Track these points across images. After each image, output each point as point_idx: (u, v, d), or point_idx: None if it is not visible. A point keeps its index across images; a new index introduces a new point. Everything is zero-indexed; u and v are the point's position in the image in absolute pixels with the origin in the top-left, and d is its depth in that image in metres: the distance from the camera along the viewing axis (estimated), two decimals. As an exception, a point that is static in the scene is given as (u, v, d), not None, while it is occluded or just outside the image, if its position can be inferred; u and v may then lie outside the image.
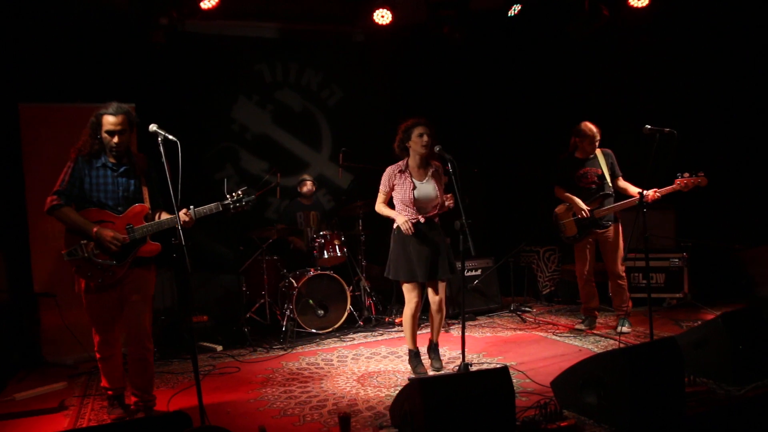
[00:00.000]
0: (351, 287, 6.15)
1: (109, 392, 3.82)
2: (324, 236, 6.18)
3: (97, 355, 3.74)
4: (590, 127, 5.20)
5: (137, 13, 5.65)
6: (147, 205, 3.68)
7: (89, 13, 5.90)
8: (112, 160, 3.63)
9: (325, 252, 6.12)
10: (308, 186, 6.73)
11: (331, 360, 5.01)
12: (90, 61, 6.00)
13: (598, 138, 5.21)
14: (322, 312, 5.89)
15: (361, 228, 6.39)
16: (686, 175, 4.68)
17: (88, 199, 3.59)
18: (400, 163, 4.43)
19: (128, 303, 3.66)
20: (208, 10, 5.79)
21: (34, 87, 5.67)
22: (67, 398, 4.35)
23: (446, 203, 4.35)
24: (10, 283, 5.47)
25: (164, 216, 3.71)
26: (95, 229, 3.48)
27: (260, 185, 3.58)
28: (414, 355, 4.57)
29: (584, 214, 5.16)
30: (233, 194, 3.73)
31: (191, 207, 3.60)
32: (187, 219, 3.54)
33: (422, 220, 4.34)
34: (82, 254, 3.50)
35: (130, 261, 3.59)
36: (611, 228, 5.26)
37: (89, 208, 3.58)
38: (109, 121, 3.54)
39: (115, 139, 3.54)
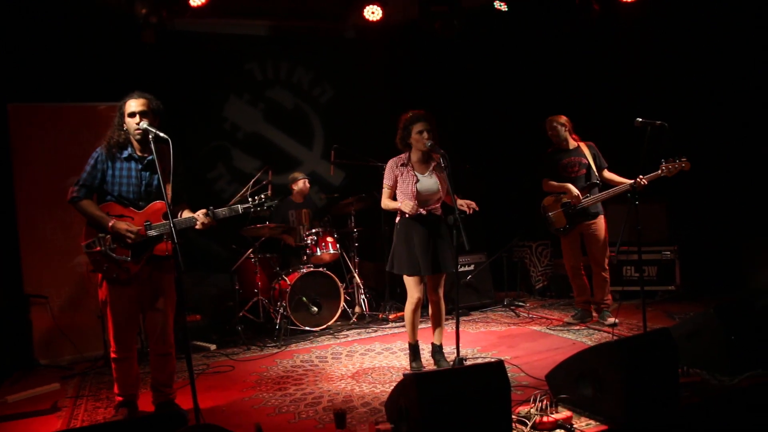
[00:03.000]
0: (344, 284, 6.15)
1: (119, 398, 3.72)
2: (316, 233, 6.16)
3: (113, 355, 3.65)
4: (548, 118, 5.44)
5: (127, 12, 5.60)
6: (168, 201, 3.64)
7: (79, 12, 5.86)
8: (138, 151, 3.61)
9: (318, 249, 6.10)
10: (303, 184, 6.68)
11: (326, 357, 5.00)
12: (79, 60, 5.97)
13: (556, 122, 5.36)
14: (316, 309, 5.88)
15: (353, 225, 6.38)
16: (671, 160, 4.73)
17: (110, 192, 3.57)
18: (402, 156, 4.39)
19: (152, 303, 3.66)
20: (198, 8, 5.77)
21: (22, 87, 5.63)
22: (59, 399, 4.32)
23: (469, 209, 4.24)
24: (1, 284, 5.43)
25: (186, 214, 3.68)
26: (111, 223, 3.48)
27: (252, 184, 3.56)
28: (413, 349, 4.56)
29: (577, 200, 5.19)
30: (255, 198, 3.70)
31: (210, 208, 3.59)
32: (206, 220, 3.55)
33: (424, 212, 4.33)
34: (100, 246, 3.49)
35: (146, 258, 3.57)
36: (599, 219, 5.31)
37: (109, 202, 3.57)
38: (131, 104, 3.54)
39: (137, 120, 3.50)
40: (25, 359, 5.26)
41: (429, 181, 4.33)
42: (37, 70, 5.76)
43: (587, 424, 3.25)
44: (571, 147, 5.41)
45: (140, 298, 3.64)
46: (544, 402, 3.26)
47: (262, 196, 3.72)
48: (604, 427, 3.20)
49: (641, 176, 4.76)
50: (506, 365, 3.18)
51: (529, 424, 3.18)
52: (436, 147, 4.16)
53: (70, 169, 5.31)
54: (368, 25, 6.54)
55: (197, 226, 3.57)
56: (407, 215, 4.27)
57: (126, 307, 3.59)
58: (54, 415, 4.03)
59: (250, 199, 3.70)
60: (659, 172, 4.78)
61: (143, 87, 3.68)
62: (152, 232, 3.53)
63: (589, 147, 5.39)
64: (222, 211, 3.63)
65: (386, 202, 4.39)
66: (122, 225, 3.49)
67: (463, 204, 4.21)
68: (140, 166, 3.61)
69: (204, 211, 3.57)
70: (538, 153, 5.65)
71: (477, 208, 4.24)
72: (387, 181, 4.39)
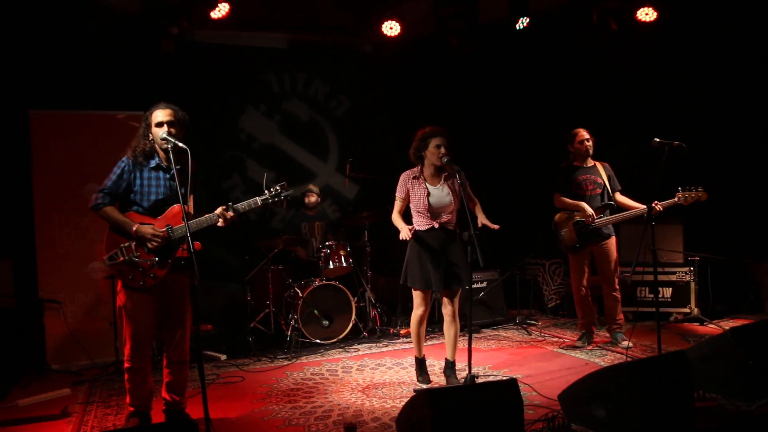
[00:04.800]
0: (356, 298, 6.13)
1: (131, 408, 3.68)
2: (329, 246, 6.16)
3: (127, 365, 3.59)
4: (576, 130, 5.33)
5: (148, 22, 5.68)
6: (190, 207, 3.64)
7: (100, 20, 5.94)
8: (164, 161, 3.62)
9: (331, 262, 6.10)
10: (313, 198, 6.73)
11: (336, 371, 4.98)
12: (100, 68, 6.05)
13: (586, 137, 5.27)
14: (327, 322, 5.86)
15: (367, 239, 6.38)
16: (687, 189, 4.68)
17: (137, 202, 3.59)
18: (415, 169, 4.41)
19: (172, 310, 3.66)
20: (219, 20, 5.83)
21: (44, 93, 5.71)
22: (70, 405, 4.31)
23: (492, 227, 4.25)
24: (16, 289, 5.47)
25: None
26: (135, 227, 3.49)
27: (272, 197, 3.57)
28: (420, 363, 4.54)
29: (590, 220, 5.13)
30: (271, 189, 3.69)
31: (230, 204, 3.59)
32: (227, 215, 3.54)
33: (437, 226, 4.33)
34: (123, 256, 3.49)
35: (171, 262, 3.57)
36: (611, 240, 5.25)
37: (131, 212, 3.58)
38: (158, 114, 3.57)
39: (164, 130, 3.51)
40: (37, 363, 5.29)
41: (441, 194, 4.34)
42: (58, 78, 5.84)
43: (600, 446, 3.21)
44: (588, 165, 5.35)
45: (159, 305, 3.63)
46: (557, 422, 3.22)
47: (278, 187, 3.71)
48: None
49: (657, 202, 4.71)
50: (518, 384, 3.15)
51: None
52: (452, 162, 4.17)
53: (88, 175, 5.37)
54: (385, 40, 6.57)
55: (219, 223, 3.56)
56: (422, 229, 4.28)
57: (144, 314, 3.57)
58: (64, 421, 4.04)
59: (266, 192, 3.69)
60: (675, 199, 4.72)
61: (161, 96, 3.72)
62: (175, 236, 3.53)
63: (604, 167, 5.34)
64: (241, 205, 3.62)
65: (395, 217, 4.40)
66: (147, 229, 3.49)
67: (487, 223, 4.24)
68: (168, 176, 3.63)
69: (223, 207, 3.57)
70: (552, 168, 5.62)
71: (498, 227, 4.23)
72: (399, 194, 4.42)
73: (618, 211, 5.20)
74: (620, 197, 5.26)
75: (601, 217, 5.18)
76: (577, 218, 5.27)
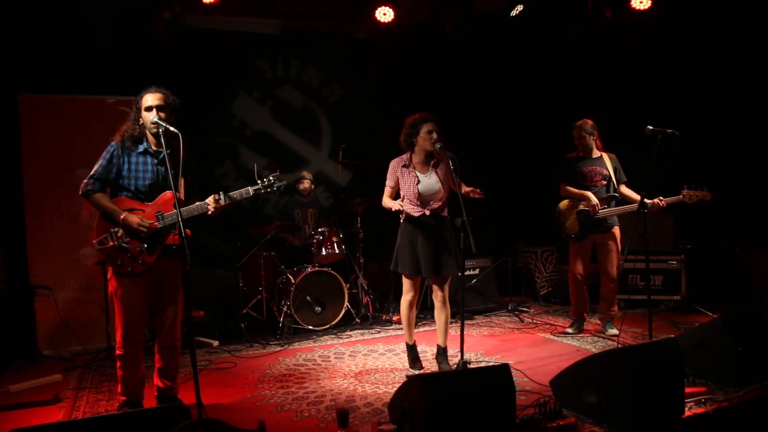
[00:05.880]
0: (348, 284, 6.13)
1: (122, 398, 3.67)
2: (322, 233, 6.16)
3: (119, 351, 3.58)
4: (578, 122, 5.31)
5: (140, 6, 5.62)
6: (181, 193, 3.62)
7: (91, 4, 5.87)
8: (153, 146, 3.60)
9: (323, 249, 6.10)
10: (306, 184, 6.72)
11: (328, 357, 4.99)
12: (90, 53, 5.98)
13: (590, 127, 5.25)
14: (320, 309, 5.87)
15: (359, 225, 6.38)
16: (693, 187, 4.69)
17: (125, 186, 3.56)
18: (403, 157, 4.41)
19: (163, 295, 3.65)
20: (211, 5, 5.77)
21: (34, 78, 5.65)
22: (62, 391, 4.32)
23: (474, 194, 4.25)
24: (6, 274, 5.44)
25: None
26: (122, 216, 3.47)
27: (265, 187, 3.55)
28: (411, 350, 4.57)
29: (595, 210, 5.13)
30: (264, 179, 3.67)
31: (221, 192, 3.57)
32: (219, 204, 3.53)
33: (428, 213, 4.33)
34: (113, 242, 3.48)
35: (161, 249, 3.56)
36: (613, 231, 5.25)
37: (121, 197, 3.56)
38: (148, 98, 3.54)
39: (154, 114, 3.48)
40: (28, 349, 5.28)
41: (430, 181, 4.34)
42: (49, 62, 5.78)
43: (591, 431, 3.23)
44: (594, 156, 5.31)
45: (151, 291, 3.62)
46: (548, 407, 3.24)
47: (271, 177, 3.69)
48: (608, 435, 3.19)
49: (661, 198, 4.72)
50: (510, 369, 3.16)
51: (533, 428, 3.16)
52: (445, 149, 4.16)
53: (78, 161, 5.36)
54: (379, 27, 6.53)
55: (210, 212, 3.55)
56: (413, 215, 4.28)
57: (136, 300, 3.56)
58: (56, 406, 4.03)
59: (259, 181, 3.67)
60: (680, 197, 4.72)
61: (153, 82, 3.67)
62: (165, 223, 3.52)
63: (611, 159, 5.29)
64: (233, 194, 3.61)
65: (385, 201, 4.42)
66: (134, 218, 3.48)
67: (469, 191, 4.23)
68: (156, 161, 3.61)
69: (214, 196, 3.55)
70: (548, 158, 5.61)
71: (482, 195, 4.23)
72: (389, 182, 4.43)
73: (622, 203, 5.20)
74: (625, 189, 5.23)
75: (605, 208, 5.18)
76: (582, 207, 5.27)
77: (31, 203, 5.39)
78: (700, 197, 4.69)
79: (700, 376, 3.76)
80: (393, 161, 4.44)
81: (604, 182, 5.26)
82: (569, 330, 5.43)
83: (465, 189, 4.24)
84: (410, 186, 4.32)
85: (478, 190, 4.22)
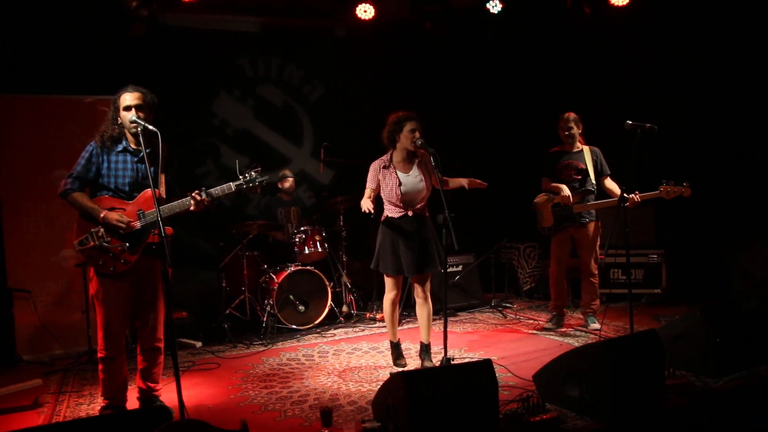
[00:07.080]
0: (332, 283, 6.12)
1: (104, 402, 3.62)
2: (305, 232, 6.14)
3: (101, 354, 3.53)
4: (561, 115, 5.32)
5: (118, 4, 5.54)
6: (162, 191, 3.59)
7: (67, 2, 5.78)
8: (132, 144, 3.56)
9: (306, 248, 6.08)
10: (289, 182, 6.69)
11: (312, 356, 4.97)
12: (67, 51, 5.90)
13: (571, 122, 5.27)
14: (303, 308, 5.85)
15: (342, 224, 6.36)
16: (671, 183, 4.69)
17: (105, 185, 3.52)
18: (384, 158, 4.38)
19: (144, 296, 3.61)
20: (190, 3, 5.73)
21: (9, 78, 5.55)
22: (41, 395, 4.23)
23: (469, 185, 4.33)
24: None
25: None
26: (102, 214, 3.43)
27: (246, 182, 3.50)
28: (395, 347, 4.57)
29: (566, 202, 5.15)
30: (246, 174, 3.63)
31: (203, 189, 3.54)
32: (199, 199, 3.49)
33: (410, 214, 4.32)
34: (93, 242, 3.44)
35: (142, 248, 3.52)
36: (590, 225, 5.27)
37: (101, 196, 3.53)
38: (126, 97, 3.50)
39: (133, 114, 3.44)
40: (7, 355, 5.19)
41: (413, 181, 4.32)
42: (24, 61, 5.69)
43: (574, 425, 3.25)
44: (574, 150, 5.33)
45: (132, 292, 3.58)
46: (531, 401, 3.26)
47: (252, 173, 3.66)
48: (591, 427, 3.21)
49: (637, 192, 4.71)
50: (493, 365, 3.18)
51: (517, 423, 3.17)
52: (426, 146, 4.16)
53: (55, 161, 5.27)
54: (360, 24, 6.52)
55: (192, 208, 3.51)
56: (393, 217, 4.28)
57: (118, 301, 3.52)
58: (35, 411, 3.96)
59: (240, 177, 3.64)
60: (658, 192, 4.70)
61: (131, 81, 3.63)
62: (146, 221, 3.48)
63: (592, 152, 5.29)
64: (215, 190, 3.57)
65: (362, 202, 4.36)
66: (113, 215, 3.44)
67: (467, 182, 4.33)
68: (136, 159, 3.57)
69: (196, 192, 3.52)
70: (529, 154, 5.63)
71: (485, 184, 4.36)
72: (370, 183, 4.39)
73: (603, 197, 5.22)
74: (608, 183, 5.25)
75: (578, 203, 5.19)
76: (556, 200, 5.30)
77: (7, 205, 5.29)
78: (678, 193, 4.67)
79: (680, 367, 3.80)
80: (373, 163, 4.41)
81: (579, 177, 5.27)
82: (548, 325, 5.46)
83: (465, 181, 4.29)
84: (392, 188, 4.30)
85: (478, 180, 4.25)
